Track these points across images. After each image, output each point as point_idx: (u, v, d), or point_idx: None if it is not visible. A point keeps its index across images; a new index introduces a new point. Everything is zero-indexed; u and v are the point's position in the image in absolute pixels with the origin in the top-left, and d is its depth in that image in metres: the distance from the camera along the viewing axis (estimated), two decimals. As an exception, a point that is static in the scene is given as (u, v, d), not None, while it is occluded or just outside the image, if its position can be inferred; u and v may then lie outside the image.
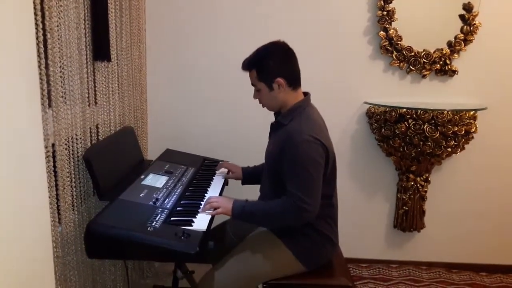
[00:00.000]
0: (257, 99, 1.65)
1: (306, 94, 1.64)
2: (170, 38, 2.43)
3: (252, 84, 1.62)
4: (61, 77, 1.43)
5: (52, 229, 1.29)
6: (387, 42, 2.36)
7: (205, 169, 2.07)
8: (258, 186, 1.78)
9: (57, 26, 1.39)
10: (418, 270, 2.63)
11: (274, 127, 1.66)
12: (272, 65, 1.55)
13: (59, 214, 1.46)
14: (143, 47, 2.34)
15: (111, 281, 1.96)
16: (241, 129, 2.52)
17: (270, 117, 1.70)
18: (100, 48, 1.72)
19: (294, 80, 1.58)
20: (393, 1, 2.30)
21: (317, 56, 2.40)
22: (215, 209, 1.52)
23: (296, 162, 1.46)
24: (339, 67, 2.44)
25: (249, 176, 1.94)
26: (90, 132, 1.73)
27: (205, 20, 2.41)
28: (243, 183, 1.96)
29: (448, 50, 2.37)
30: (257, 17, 2.39)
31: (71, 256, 1.56)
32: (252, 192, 1.82)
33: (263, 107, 1.66)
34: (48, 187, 1.26)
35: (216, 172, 2.00)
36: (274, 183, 1.61)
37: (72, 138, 1.54)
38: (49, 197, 1.27)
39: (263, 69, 1.56)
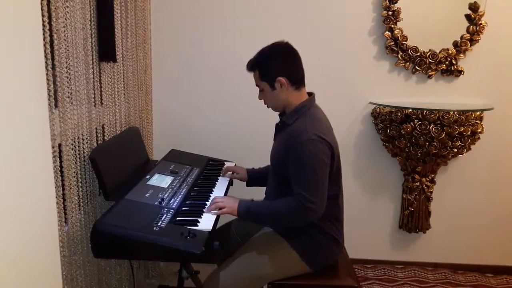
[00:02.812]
0: (262, 100, 1.66)
1: (310, 94, 1.64)
2: (175, 39, 2.44)
3: (256, 85, 1.63)
4: (67, 77, 1.44)
5: (58, 229, 1.29)
6: (393, 42, 2.35)
7: (210, 169, 2.07)
8: (263, 187, 1.77)
9: (64, 27, 1.39)
10: (423, 271, 2.61)
11: (279, 128, 1.66)
12: (274, 64, 1.55)
13: (65, 213, 1.46)
14: (148, 47, 2.35)
15: (116, 281, 1.96)
16: (246, 130, 2.52)
17: (275, 118, 1.70)
18: (105, 49, 1.73)
19: (297, 79, 1.57)
20: (398, 1, 2.29)
21: (322, 56, 2.40)
22: (220, 209, 1.53)
23: (301, 161, 1.46)
24: (344, 67, 2.44)
25: (254, 177, 1.93)
26: (96, 132, 1.74)
27: (210, 20, 2.42)
28: (248, 185, 1.95)
29: (454, 50, 2.36)
30: (262, 18, 2.40)
31: (77, 256, 1.57)
32: (257, 193, 1.82)
33: (268, 107, 1.66)
34: (55, 187, 1.27)
35: (222, 176, 1.98)
36: (279, 184, 1.61)
37: (78, 138, 1.55)
38: (56, 197, 1.28)
39: (266, 68, 1.57)
